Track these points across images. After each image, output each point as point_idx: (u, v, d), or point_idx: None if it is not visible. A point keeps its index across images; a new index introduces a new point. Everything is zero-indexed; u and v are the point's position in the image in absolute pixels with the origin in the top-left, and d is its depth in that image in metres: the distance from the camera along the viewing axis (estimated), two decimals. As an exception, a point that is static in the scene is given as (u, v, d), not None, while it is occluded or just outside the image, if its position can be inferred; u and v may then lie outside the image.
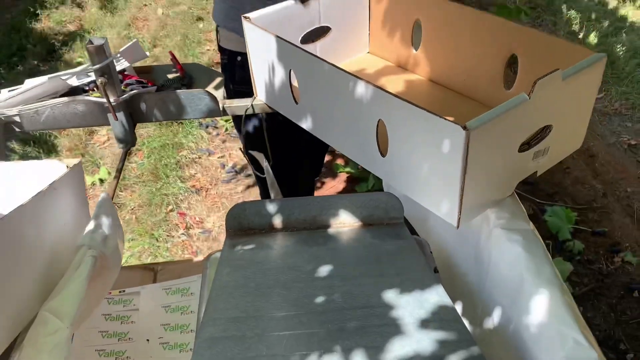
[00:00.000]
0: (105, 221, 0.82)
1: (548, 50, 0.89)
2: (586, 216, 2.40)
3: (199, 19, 4.12)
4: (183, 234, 2.36)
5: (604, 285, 2.10)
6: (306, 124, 1.00)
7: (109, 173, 2.67)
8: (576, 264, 2.19)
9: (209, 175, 2.71)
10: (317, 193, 2.34)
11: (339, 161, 2.71)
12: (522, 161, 0.79)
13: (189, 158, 2.81)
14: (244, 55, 1.42)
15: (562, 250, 2.24)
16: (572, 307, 0.61)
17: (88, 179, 2.59)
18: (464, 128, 0.66)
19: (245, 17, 0.99)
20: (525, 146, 0.78)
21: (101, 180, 2.63)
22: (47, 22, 4.03)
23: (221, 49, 1.44)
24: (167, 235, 2.35)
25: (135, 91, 1.01)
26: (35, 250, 0.76)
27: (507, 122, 0.70)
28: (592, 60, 0.79)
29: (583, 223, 2.36)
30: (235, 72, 1.32)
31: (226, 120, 2.99)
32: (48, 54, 3.66)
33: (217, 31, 1.45)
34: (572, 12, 4.09)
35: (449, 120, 0.68)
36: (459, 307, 0.88)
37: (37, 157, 2.72)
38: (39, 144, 2.81)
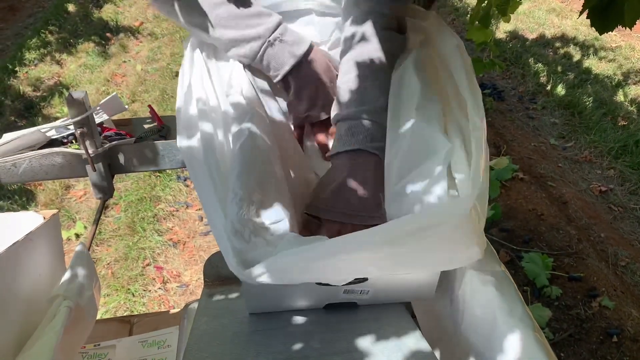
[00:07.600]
0: (81, 272, 0.82)
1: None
2: (562, 261, 2.43)
3: (177, 74, 4.19)
4: (160, 288, 2.33)
5: (583, 331, 2.12)
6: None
7: (85, 227, 2.64)
8: (555, 309, 2.20)
9: (186, 228, 2.70)
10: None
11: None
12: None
13: (167, 211, 2.79)
14: None
15: (541, 296, 2.26)
16: (545, 345, 0.62)
17: (64, 234, 2.55)
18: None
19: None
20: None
21: (77, 235, 2.59)
22: (26, 78, 4.06)
23: None
24: (144, 290, 2.31)
25: (113, 142, 1.02)
26: (10, 301, 0.75)
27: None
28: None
29: (559, 268, 2.39)
30: None
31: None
32: (26, 110, 3.67)
33: None
34: (540, 65, 4.26)
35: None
36: (437, 352, 0.88)
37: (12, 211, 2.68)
38: (13, 199, 2.78)
